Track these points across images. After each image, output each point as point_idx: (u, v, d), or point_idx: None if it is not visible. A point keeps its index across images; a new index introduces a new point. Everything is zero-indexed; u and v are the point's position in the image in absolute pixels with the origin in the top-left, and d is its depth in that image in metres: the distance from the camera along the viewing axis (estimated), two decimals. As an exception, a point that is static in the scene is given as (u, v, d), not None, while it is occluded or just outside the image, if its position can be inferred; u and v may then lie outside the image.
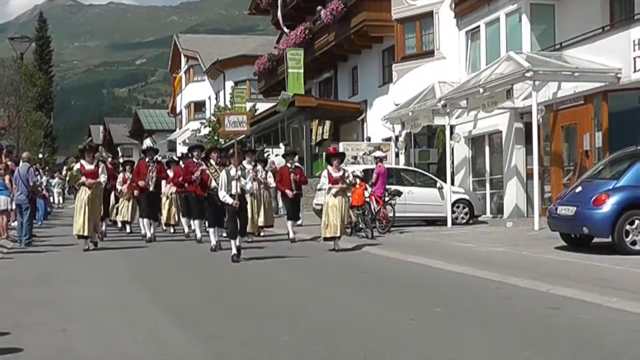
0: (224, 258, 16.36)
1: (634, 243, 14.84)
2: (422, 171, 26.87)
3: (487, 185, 27.01)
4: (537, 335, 8.36)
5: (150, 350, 7.53)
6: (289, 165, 22.49)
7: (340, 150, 24.77)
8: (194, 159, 21.06)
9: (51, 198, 44.23)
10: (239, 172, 16.09)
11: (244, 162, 18.12)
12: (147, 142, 53.36)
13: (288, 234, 21.46)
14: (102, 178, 19.18)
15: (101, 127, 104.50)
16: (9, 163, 21.57)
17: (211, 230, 19.36)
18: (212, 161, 19.16)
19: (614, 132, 20.99)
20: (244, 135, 19.68)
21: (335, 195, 18.05)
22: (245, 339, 8.13)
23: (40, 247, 19.89)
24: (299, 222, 23.99)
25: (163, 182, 23.60)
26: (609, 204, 14.96)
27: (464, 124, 27.43)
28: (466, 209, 25.55)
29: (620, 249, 14.76)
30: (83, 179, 18.82)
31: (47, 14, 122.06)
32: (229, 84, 57.88)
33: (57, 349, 7.61)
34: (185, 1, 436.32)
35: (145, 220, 22.60)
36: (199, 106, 67.99)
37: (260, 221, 21.80)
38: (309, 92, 41.60)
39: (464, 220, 25.23)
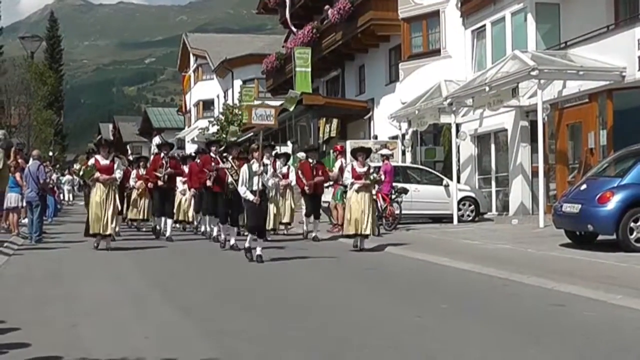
0: (238, 257, 15.91)
1: (638, 240, 14.82)
2: (429, 169, 26.86)
3: (493, 182, 26.99)
4: (543, 332, 8.33)
5: (159, 346, 7.53)
6: (310, 160, 21.66)
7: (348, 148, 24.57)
8: (212, 154, 20.08)
9: (61, 195, 44.29)
10: (261, 168, 15.36)
11: (264, 158, 16.91)
12: (156, 140, 53.31)
13: (307, 231, 21.14)
14: (118, 174, 18.24)
15: (111, 126, 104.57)
16: (19, 160, 21.58)
17: (221, 227, 19.03)
18: (230, 157, 18.50)
19: (619, 130, 20.95)
20: (271, 129, 19.03)
21: (357, 191, 17.25)
22: (254, 336, 8.13)
23: (50, 244, 19.90)
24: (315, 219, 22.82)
25: (178, 179, 23.09)
26: (613, 202, 14.93)
27: (470, 122, 27.42)
28: (472, 207, 25.54)
29: (624, 246, 14.73)
30: (97, 174, 17.76)
31: (57, 14, 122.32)
32: (238, 83, 57.91)
33: (66, 344, 7.61)
34: (193, 1, 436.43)
35: (163, 218, 21.80)
36: (208, 105, 68.05)
37: (286, 218, 21.99)
38: (317, 90, 41.58)
39: (470, 218, 25.23)
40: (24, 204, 21.22)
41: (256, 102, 50.10)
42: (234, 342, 7.79)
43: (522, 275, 12.39)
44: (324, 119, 38.15)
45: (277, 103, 41.59)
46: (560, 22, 24.71)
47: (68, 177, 50.39)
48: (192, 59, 71.83)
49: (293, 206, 22.91)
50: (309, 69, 38.44)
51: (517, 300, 10.51)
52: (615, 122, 21.19)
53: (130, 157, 31.80)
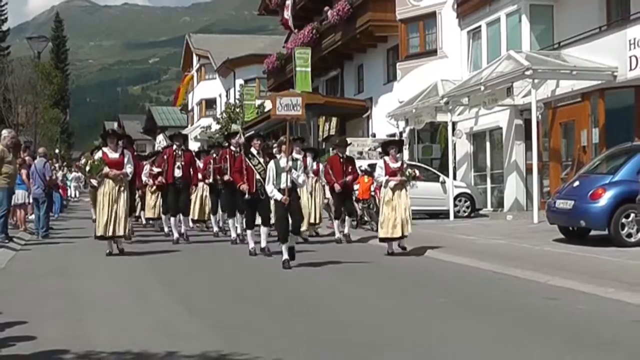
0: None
1: (629, 235, 14.83)
2: (425, 166, 26.81)
3: (488, 179, 26.98)
4: (537, 325, 8.33)
5: (162, 339, 7.52)
6: (340, 155, 19.28)
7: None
8: (232, 147, 18.18)
9: (68, 192, 44.29)
10: (290, 163, 13.59)
11: (293, 152, 14.89)
12: (160, 138, 53.23)
13: (341, 237, 18.63)
14: (129, 169, 15.76)
15: (115, 124, 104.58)
16: (26, 158, 21.58)
17: (231, 221, 18.22)
18: (253, 150, 15.65)
19: (611, 128, 20.97)
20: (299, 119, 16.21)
21: (393, 190, 15.24)
22: (259, 330, 8.13)
23: (57, 239, 19.89)
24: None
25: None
26: (605, 198, 14.96)
27: (466, 120, 27.40)
28: (468, 203, 25.54)
29: (616, 241, 14.75)
30: (106, 169, 15.36)
31: (63, 15, 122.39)
32: (239, 82, 57.90)
33: (72, 337, 7.61)
34: (197, 2, 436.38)
35: (172, 218, 18.96)
36: (210, 103, 68.14)
37: (313, 218, 19.36)
38: (317, 89, 41.60)
39: (466, 214, 25.23)
40: (31, 200, 21.22)
41: (257, 101, 50.59)
42: (237, 335, 7.79)
43: (516, 270, 12.41)
44: (324, 118, 38.17)
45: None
46: (553, 23, 24.72)
47: (75, 174, 50.35)
48: (195, 59, 71.92)
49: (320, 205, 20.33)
50: (309, 69, 38.41)
51: (512, 294, 10.52)
52: (607, 120, 21.20)
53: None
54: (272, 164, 13.78)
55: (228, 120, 51.65)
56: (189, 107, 75.61)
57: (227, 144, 19.01)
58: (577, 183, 16.14)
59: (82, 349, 7.02)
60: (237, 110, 52.24)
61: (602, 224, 15.03)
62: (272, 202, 14.46)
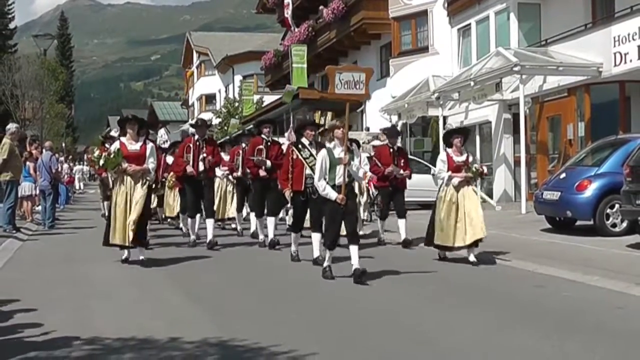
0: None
1: (614, 225, 14.88)
2: (417, 159, 26.80)
3: (478, 171, 26.96)
4: (525, 311, 8.36)
5: (164, 325, 7.52)
6: (389, 145, 15.51)
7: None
8: (263, 136, 15.24)
9: (76, 184, 44.31)
10: (343, 154, 10.56)
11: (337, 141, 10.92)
12: (161, 132, 53.21)
13: (383, 234, 15.92)
14: (151, 164, 12.46)
15: (118, 119, 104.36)
16: (33, 152, 21.57)
17: (258, 222, 15.57)
18: (304, 140, 12.75)
19: (596, 122, 20.98)
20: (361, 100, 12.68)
21: (457, 188, 12.35)
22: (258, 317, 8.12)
23: (62, 230, 19.88)
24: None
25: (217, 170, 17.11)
26: (591, 189, 15.00)
27: (456, 114, 27.40)
28: (458, 194, 25.51)
29: (601, 231, 14.78)
30: (124, 164, 12.16)
31: (68, 13, 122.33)
32: (238, 78, 57.85)
33: (78, 324, 7.60)
34: (197, 1, 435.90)
35: (190, 220, 15.59)
36: (210, 98, 68.09)
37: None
38: (312, 85, 41.52)
39: (456, 205, 25.19)
40: (38, 192, 21.21)
41: (255, 97, 50.47)
42: (239, 323, 7.79)
43: (505, 258, 12.42)
44: (319, 112, 38.11)
45: (275, 97, 41.81)
46: (541, 21, 24.73)
47: (78, 167, 50.30)
48: (195, 55, 71.86)
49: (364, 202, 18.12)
50: (305, 65, 38.39)
51: (501, 282, 10.52)
52: (593, 114, 21.21)
53: None
54: (323, 154, 10.69)
55: (227, 114, 51.66)
56: (190, 103, 75.54)
57: (259, 132, 15.61)
58: (563, 175, 16.17)
59: (88, 335, 7.02)
60: (236, 105, 52.25)
61: (588, 214, 15.06)
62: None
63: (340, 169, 10.46)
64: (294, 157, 12.58)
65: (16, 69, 50.46)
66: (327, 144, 10.87)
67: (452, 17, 28.73)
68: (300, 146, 12.63)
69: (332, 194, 10.38)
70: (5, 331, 7.30)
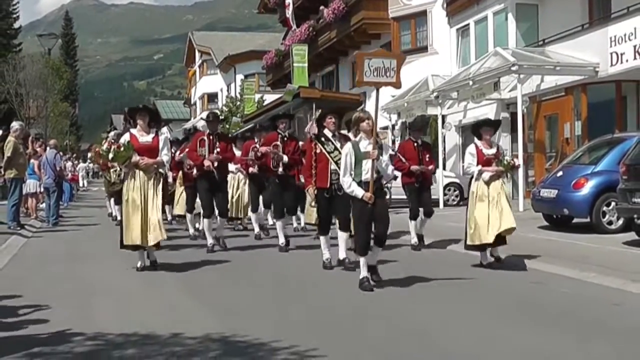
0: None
1: (610, 223, 14.89)
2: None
3: (476, 170, 26.96)
4: (523, 307, 8.34)
5: (167, 321, 7.50)
6: (413, 139, 14.44)
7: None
8: (279, 131, 14.26)
9: (80, 181, 44.33)
10: (370, 148, 9.45)
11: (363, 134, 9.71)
12: (164, 130, 52.99)
13: (415, 238, 14.40)
14: (165, 157, 11.40)
15: (122, 117, 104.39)
16: (37, 149, 21.58)
17: (279, 224, 14.06)
18: (327, 131, 11.60)
19: (592, 121, 21.00)
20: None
21: (488, 183, 11.36)
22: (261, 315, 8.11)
23: (66, 227, 19.87)
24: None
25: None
26: (587, 187, 14.99)
27: (455, 113, 27.41)
28: (457, 192, 25.56)
29: (598, 228, 14.79)
30: (136, 157, 11.03)
31: (73, 13, 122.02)
32: (239, 77, 57.85)
33: (81, 320, 7.59)
34: (199, 1, 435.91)
35: (206, 220, 13.98)
36: (212, 97, 68.08)
37: None
38: (313, 84, 41.54)
39: (455, 202, 25.21)
40: (42, 189, 21.21)
41: (256, 96, 50.43)
42: (241, 320, 7.78)
43: (503, 255, 12.39)
44: (320, 111, 38.08)
45: (276, 96, 41.77)
46: (538, 21, 24.75)
47: (82, 164, 50.32)
48: (197, 55, 71.82)
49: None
50: (306, 65, 38.38)
51: (500, 278, 10.50)
52: (589, 113, 21.23)
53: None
54: (348, 148, 9.63)
55: (229, 113, 51.64)
56: (192, 101, 75.55)
57: (274, 127, 14.48)
58: (560, 173, 16.17)
59: (91, 330, 7.02)
60: (238, 103, 52.24)
61: (585, 212, 15.07)
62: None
63: (367, 165, 9.41)
64: (317, 151, 11.53)
65: (21, 68, 50.48)
66: (353, 138, 9.85)
67: (451, 17, 28.75)
68: (323, 139, 11.50)
69: (359, 192, 9.35)
70: (9, 327, 7.30)
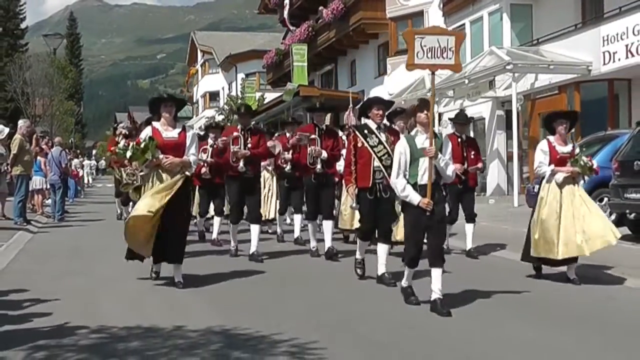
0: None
1: (603, 218, 14.80)
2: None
3: (472, 166, 26.96)
4: (518, 301, 8.37)
5: (169, 315, 7.50)
6: (457, 134, 12.81)
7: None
8: (316, 123, 12.58)
9: (84, 178, 44.27)
10: (427, 145, 7.81)
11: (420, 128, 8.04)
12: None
13: (471, 248, 12.57)
14: (192, 156, 9.22)
15: (126, 115, 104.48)
16: (43, 146, 21.57)
17: (311, 227, 12.42)
18: (371, 123, 9.64)
19: (586, 118, 20.92)
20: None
21: (560, 185, 9.56)
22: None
23: (71, 223, 19.85)
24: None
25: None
26: (580, 183, 14.93)
27: (451, 111, 27.31)
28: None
29: (590, 223, 14.70)
30: (160, 156, 8.97)
31: (77, 13, 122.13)
32: (240, 76, 57.80)
33: (86, 314, 7.58)
34: (201, 1, 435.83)
35: (232, 226, 12.32)
36: (214, 96, 68.08)
37: None
38: (312, 83, 41.51)
39: (451, 198, 25.15)
40: (48, 186, 21.18)
41: (257, 94, 50.40)
42: (243, 316, 7.76)
43: (499, 250, 12.40)
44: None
45: (276, 94, 41.75)
46: (532, 21, 24.74)
47: (87, 161, 50.32)
48: (199, 54, 71.87)
49: None
50: (306, 64, 38.42)
51: (494, 272, 10.51)
52: (582, 111, 21.13)
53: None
54: (403, 144, 7.97)
55: (230, 111, 51.65)
56: (194, 100, 75.56)
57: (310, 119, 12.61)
58: (554, 169, 16.14)
59: (95, 324, 7.00)
60: (239, 102, 52.20)
61: (578, 207, 15.02)
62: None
63: (424, 164, 7.78)
64: (358, 145, 9.55)
65: (27, 67, 50.47)
66: (405, 132, 8.64)
67: (447, 17, 28.68)
68: (366, 131, 9.54)
69: (415, 197, 7.71)
70: (15, 320, 7.28)
